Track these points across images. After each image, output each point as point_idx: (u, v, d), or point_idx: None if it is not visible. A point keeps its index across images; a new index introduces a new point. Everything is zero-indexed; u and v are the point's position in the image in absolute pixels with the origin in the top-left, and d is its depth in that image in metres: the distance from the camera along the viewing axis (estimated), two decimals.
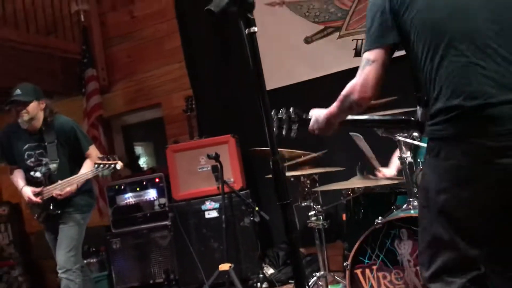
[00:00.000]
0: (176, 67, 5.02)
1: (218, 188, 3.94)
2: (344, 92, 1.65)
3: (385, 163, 3.14)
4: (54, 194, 3.22)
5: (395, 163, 3.06)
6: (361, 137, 3.08)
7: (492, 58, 1.39)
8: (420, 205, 1.63)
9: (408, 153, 2.53)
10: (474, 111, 1.37)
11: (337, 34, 4.28)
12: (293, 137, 1.93)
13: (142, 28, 5.24)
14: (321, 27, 4.33)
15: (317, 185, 3.30)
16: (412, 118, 1.85)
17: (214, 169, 3.97)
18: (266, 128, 1.28)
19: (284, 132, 1.93)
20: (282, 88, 4.47)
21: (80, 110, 5.12)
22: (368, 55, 1.57)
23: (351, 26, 4.23)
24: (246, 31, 1.16)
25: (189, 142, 4.39)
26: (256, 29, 1.17)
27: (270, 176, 3.27)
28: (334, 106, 1.72)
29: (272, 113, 1.97)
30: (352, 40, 4.21)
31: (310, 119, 1.86)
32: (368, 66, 1.56)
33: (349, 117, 1.81)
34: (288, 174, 3.14)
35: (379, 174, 3.09)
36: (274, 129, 1.93)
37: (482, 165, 1.38)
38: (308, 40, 4.39)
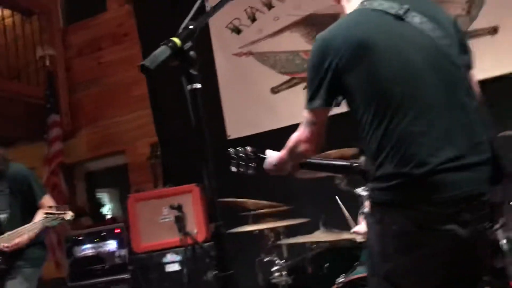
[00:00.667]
0: (142, 113, 4.96)
1: (180, 240, 3.81)
2: (290, 143, 1.70)
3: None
4: (1, 247, 3.03)
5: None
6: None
7: (439, 124, 1.38)
8: (368, 274, 1.57)
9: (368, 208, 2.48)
10: (420, 178, 1.35)
11: (303, 85, 4.31)
12: (250, 173, 2.04)
13: (108, 75, 5.20)
14: (287, 77, 4.37)
15: (281, 238, 3.21)
16: (356, 164, 1.92)
17: (177, 219, 3.84)
18: (208, 191, 1.19)
19: (242, 169, 2.03)
20: (248, 137, 4.44)
21: (42, 157, 4.96)
22: (311, 116, 1.58)
23: None
24: (189, 87, 1.10)
25: (152, 191, 4.27)
26: (199, 85, 1.11)
27: (234, 230, 3.19)
28: (283, 152, 1.79)
29: (231, 150, 2.07)
30: None
31: (265, 160, 1.94)
32: (308, 127, 1.60)
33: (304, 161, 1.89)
34: (251, 227, 3.05)
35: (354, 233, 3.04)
36: (233, 167, 2.06)
37: (426, 232, 1.35)
38: (274, 90, 4.41)
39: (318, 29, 4.20)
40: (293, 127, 4.73)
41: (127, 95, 5.08)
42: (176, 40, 1.07)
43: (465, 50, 1.54)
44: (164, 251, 4.01)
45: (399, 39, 1.43)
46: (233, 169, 2.07)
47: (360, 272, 2.34)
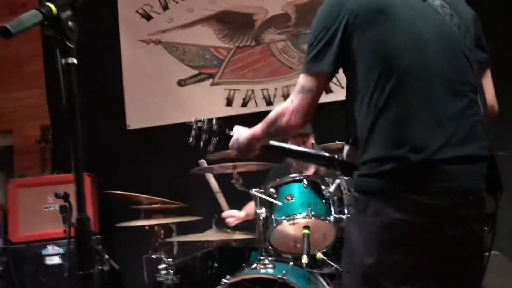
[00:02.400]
0: (35, 93, 4.56)
1: (65, 231, 3.54)
2: (271, 115, 1.50)
3: None
4: None
5: (247, 207, 3.00)
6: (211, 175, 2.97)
7: (440, 109, 1.30)
8: (344, 269, 1.44)
9: (263, 209, 2.47)
10: (416, 165, 1.25)
11: (210, 81, 4.25)
12: (210, 151, 1.76)
13: (0, 46, 4.71)
14: (195, 72, 4.27)
15: (174, 235, 3.11)
16: (336, 156, 1.71)
17: (63, 209, 3.57)
18: (74, 183, 1.06)
19: (201, 144, 1.75)
20: (149, 129, 4.27)
21: None
22: (304, 81, 1.42)
23: (225, 75, 4.22)
24: (63, 61, 0.97)
25: (37, 178, 3.95)
26: (75, 61, 0.98)
27: (124, 224, 3.02)
28: (258, 128, 1.57)
29: (192, 120, 1.79)
30: (225, 89, 4.19)
31: (231, 136, 1.68)
32: (301, 94, 1.42)
33: (272, 143, 1.66)
34: (140, 223, 2.92)
35: (224, 214, 3.00)
36: (191, 139, 1.77)
37: (415, 226, 1.24)
38: (181, 83, 4.28)
39: (231, 27, 4.23)
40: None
41: (19, 71, 4.65)
42: (52, 6, 0.93)
43: (481, 48, 1.49)
44: (45, 242, 3.72)
45: (417, 15, 1.37)
46: (190, 142, 1.77)
47: (247, 273, 2.32)
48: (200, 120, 1.78)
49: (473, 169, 1.30)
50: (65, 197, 3.54)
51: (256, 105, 4.16)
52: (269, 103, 4.12)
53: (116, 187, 3.61)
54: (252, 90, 4.17)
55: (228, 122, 4.34)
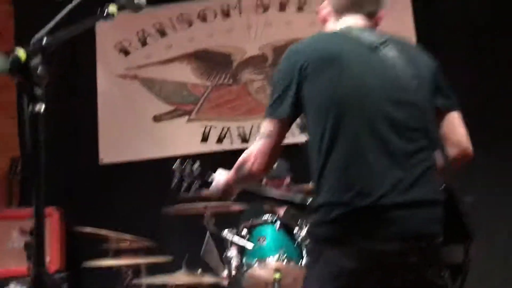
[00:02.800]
0: (6, 122, 4.46)
1: (28, 268, 3.41)
2: (238, 161, 1.54)
3: None
4: None
5: None
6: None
7: (389, 152, 1.32)
8: None
9: (234, 252, 2.43)
10: (363, 210, 1.27)
11: (187, 117, 4.24)
12: (191, 196, 1.81)
13: None
14: (172, 108, 4.26)
15: (143, 276, 3.02)
16: (297, 199, 1.78)
17: (27, 246, 3.45)
18: (35, 238, 1.01)
19: (182, 188, 1.78)
20: (123, 164, 4.21)
21: None
22: (266, 126, 1.47)
23: (202, 112, 4.23)
24: (30, 108, 0.95)
25: (2, 211, 3.81)
26: (43, 107, 0.96)
27: (91, 263, 2.92)
28: (230, 174, 1.62)
29: (176, 164, 1.82)
30: (201, 126, 4.19)
31: (212, 182, 1.71)
32: (264, 139, 1.47)
33: (247, 187, 1.72)
34: (108, 262, 2.83)
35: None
36: (174, 184, 1.80)
37: (367, 274, 1.24)
38: (157, 119, 4.26)
39: (209, 65, 4.27)
40: (173, 160, 4.61)
41: None
42: (21, 53, 0.92)
43: (443, 95, 1.51)
44: (7, 280, 3.56)
45: (365, 64, 1.42)
46: (173, 187, 1.81)
47: None
48: (183, 163, 1.81)
49: (423, 214, 1.31)
50: (31, 233, 3.44)
51: (232, 143, 4.16)
52: (245, 140, 4.13)
53: (85, 222, 3.51)
54: (228, 128, 4.18)
55: (203, 159, 4.33)
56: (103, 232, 3.05)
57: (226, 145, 4.14)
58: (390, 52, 1.44)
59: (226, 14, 4.31)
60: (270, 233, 2.45)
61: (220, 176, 1.68)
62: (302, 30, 4.14)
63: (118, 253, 3.05)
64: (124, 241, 3.03)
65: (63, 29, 1.06)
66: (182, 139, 4.21)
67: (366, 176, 1.30)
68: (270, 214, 2.63)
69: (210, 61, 4.27)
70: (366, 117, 1.36)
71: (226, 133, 4.17)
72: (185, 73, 4.26)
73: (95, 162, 4.17)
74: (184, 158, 1.84)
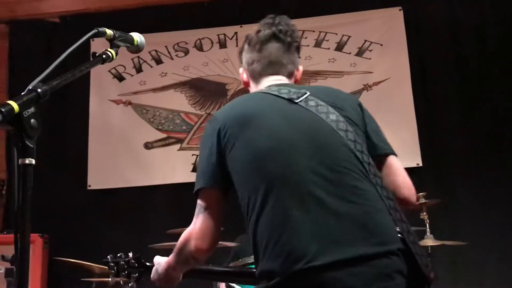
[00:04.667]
0: None
1: None
2: (179, 242, 1.42)
3: None
4: None
5: None
6: None
7: (316, 208, 1.23)
8: None
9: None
10: (297, 275, 1.18)
11: (178, 145, 4.20)
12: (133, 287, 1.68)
13: None
14: (164, 135, 4.22)
15: None
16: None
17: (8, 273, 3.36)
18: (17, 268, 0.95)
19: (121, 281, 1.69)
20: (111, 190, 4.13)
21: None
22: (200, 200, 1.38)
23: (194, 141, 4.18)
24: (20, 161, 0.91)
25: None
26: (33, 161, 0.92)
27: None
28: (171, 257, 1.48)
29: (108, 258, 1.73)
30: (192, 155, 4.14)
31: (152, 267, 1.58)
32: (200, 214, 1.37)
33: (196, 267, 1.58)
34: None
35: None
36: (111, 278, 1.70)
37: None
38: (148, 146, 4.21)
39: (203, 94, 4.25)
40: (163, 188, 4.53)
41: None
42: (14, 105, 0.88)
43: (371, 136, 1.43)
44: None
45: (283, 118, 1.36)
46: (110, 281, 1.71)
47: None
48: (116, 257, 1.75)
49: (365, 270, 1.20)
50: (13, 260, 3.34)
51: None
52: None
53: (69, 251, 3.43)
54: None
55: (193, 188, 4.27)
56: (87, 263, 2.96)
57: None
58: (310, 102, 1.39)
59: (223, 44, 4.32)
60: None
61: (160, 261, 1.55)
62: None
63: (101, 287, 2.96)
64: (107, 274, 2.94)
65: (58, 76, 1.03)
66: (173, 167, 4.16)
67: (294, 239, 1.22)
68: None
69: (204, 90, 4.26)
70: (290, 174, 1.28)
71: None
72: (179, 101, 4.24)
73: (83, 188, 4.09)
74: (115, 254, 1.77)
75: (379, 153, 1.42)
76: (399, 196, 1.40)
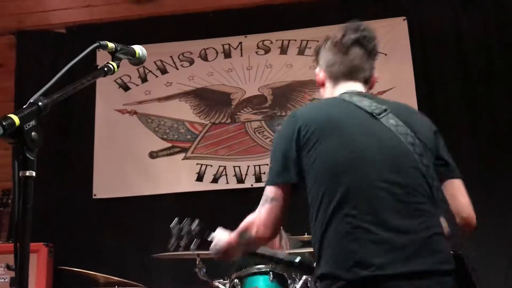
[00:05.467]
0: (1, 153, 4.42)
1: None
2: (242, 226, 1.51)
3: None
4: None
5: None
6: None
7: (385, 222, 1.30)
8: None
9: None
10: (362, 282, 1.25)
11: (183, 155, 4.21)
12: (193, 249, 1.74)
13: None
14: (169, 145, 4.24)
15: None
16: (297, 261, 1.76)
17: (13, 282, 3.37)
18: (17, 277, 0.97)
19: (181, 244, 1.75)
20: (116, 199, 4.15)
21: None
22: (269, 192, 1.45)
23: (198, 150, 4.20)
24: (20, 173, 0.92)
25: None
26: (34, 173, 0.94)
27: None
28: (233, 237, 1.57)
29: (174, 222, 1.79)
30: (197, 164, 4.16)
31: (211, 241, 1.66)
32: (267, 204, 1.44)
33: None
34: None
35: None
36: (172, 243, 1.76)
37: None
38: (153, 155, 4.23)
39: (208, 103, 4.27)
40: (167, 197, 4.55)
41: None
42: (15, 118, 0.89)
43: (442, 163, 1.50)
44: None
45: (365, 133, 1.41)
46: (171, 246, 1.78)
47: None
48: (181, 221, 1.79)
49: (425, 285, 1.28)
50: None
51: (227, 182, 4.12)
52: (241, 181, 4.09)
53: (75, 260, 3.44)
54: (224, 167, 4.15)
55: (198, 197, 4.27)
56: (92, 272, 2.98)
57: (221, 185, 4.09)
58: (390, 120, 1.44)
59: (227, 54, 4.34)
60: (262, 284, 2.39)
61: (221, 237, 1.62)
62: (302, 73, 4.19)
63: None
64: (112, 283, 2.95)
65: (60, 90, 1.04)
66: (177, 176, 4.17)
67: (364, 246, 1.29)
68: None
69: (209, 99, 4.28)
70: (365, 188, 1.35)
71: (222, 172, 4.13)
72: (184, 111, 4.26)
73: (88, 197, 4.11)
74: (183, 217, 1.81)
75: (443, 177, 1.48)
76: (460, 218, 1.48)
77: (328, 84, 1.61)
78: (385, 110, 1.45)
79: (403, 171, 1.38)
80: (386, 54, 4.13)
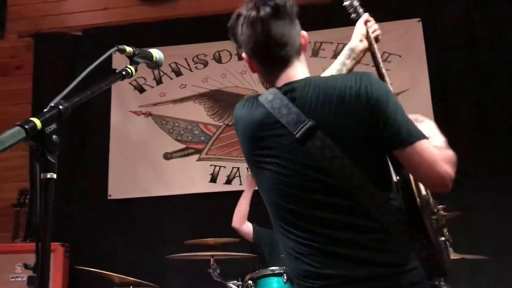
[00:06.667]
0: (16, 154, 4.48)
1: None
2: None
3: None
4: None
5: None
6: None
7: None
8: None
9: None
10: None
11: (197, 156, 4.24)
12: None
13: None
14: (183, 146, 4.27)
15: None
16: None
17: (30, 281, 3.43)
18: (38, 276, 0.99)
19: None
20: (131, 200, 4.19)
21: None
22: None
23: (212, 151, 4.22)
24: (42, 175, 0.95)
25: (4, 245, 3.79)
26: (55, 176, 0.96)
27: None
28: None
29: None
30: (211, 165, 4.18)
31: None
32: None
33: None
34: None
35: None
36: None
37: None
38: (167, 156, 4.26)
39: (221, 105, 4.29)
40: (181, 198, 4.57)
41: (2, 131, 4.59)
42: (37, 121, 0.92)
43: (386, 133, 1.30)
44: None
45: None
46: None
47: None
48: None
49: None
50: (35, 268, 3.40)
51: (241, 183, 4.13)
52: None
53: (90, 260, 3.47)
54: (238, 168, 4.16)
55: (211, 198, 4.28)
56: (107, 272, 3.01)
57: (234, 186, 4.11)
58: (316, 142, 1.33)
59: (241, 56, 4.34)
60: (276, 285, 2.39)
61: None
62: (316, 74, 4.18)
63: None
64: (127, 283, 2.98)
65: (79, 93, 1.07)
66: (191, 178, 4.20)
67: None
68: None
69: (223, 101, 4.30)
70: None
71: (235, 174, 4.15)
72: (198, 112, 4.29)
73: (103, 198, 4.15)
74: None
75: (393, 149, 1.32)
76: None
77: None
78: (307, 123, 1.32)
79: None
80: (400, 56, 4.12)
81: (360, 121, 1.31)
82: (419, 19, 4.14)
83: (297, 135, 1.31)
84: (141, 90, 4.41)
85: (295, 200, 1.33)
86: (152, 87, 4.40)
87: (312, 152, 1.30)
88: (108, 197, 4.18)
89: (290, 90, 1.38)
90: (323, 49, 4.20)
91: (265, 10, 1.40)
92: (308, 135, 1.30)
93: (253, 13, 1.41)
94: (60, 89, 1.11)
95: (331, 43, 4.23)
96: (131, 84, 4.39)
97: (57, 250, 3.72)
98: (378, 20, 4.51)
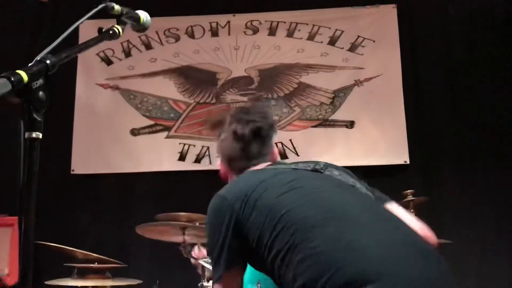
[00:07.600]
0: None
1: None
2: None
3: None
4: None
5: None
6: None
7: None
8: None
9: (210, 283, 2.33)
10: None
11: (165, 133, 4.14)
12: None
13: None
14: (151, 122, 4.15)
15: None
16: None
17: None
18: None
19: None
20: (95, 175, 4.05)
21: None
22: (223, 286, 1.34)
23: (181, 129, 4.13)
24: (26, 134, 0.86)
25: None
26: (40, 135, 0.88)
27: (54, 282, 2.78)
28: None
29: None
30: (180, 143, 4.09)
31: None
32: None
33: None
34: (73, 283, 2.68)
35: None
36: None
37: None
38: (135, 132, 4.14)
39: (193, 82, 4.19)
40: (147, 175, 4.45)
41: None
42: (23, 74, 0.83)
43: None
44: None
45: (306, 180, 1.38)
46: None
47: None
48: None
49: None
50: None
51: (210, 163, 4.07)
52: None
53: (52, 235, 3.34)
54: (208, 147, 4.09)
55: (179, 177, 4.19)
56: (70, 248, 2.90)
57: (204, 166, 4.04)
58: (334, 172, 1.47)
59: (215, 32, 4.26)
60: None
61: None
62: (290, 55, 4.15)
63: (83, 273, 2.89)
64: (90, 260, 2.88)
65: (66, 49, 0.98)
66: (159, 155, 4.10)
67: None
68: None
69: (194, 78, 4.20)
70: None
71: (205, 153, 4.08)
72: (168, 88, 4.17)
73: (66, 172, 4.00)
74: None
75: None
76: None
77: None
78: (326, 165, 1.47)
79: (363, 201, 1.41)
80: (374, 41, 4.14)
81: None
82: (395, 5, 4.16)
83: None
84: (108, 62, 4.24)
85: None
86: (120, 60, 4.25)
87: None
88: (71, 172, 4.03)
89: None
90: (299, 30, 4.16)
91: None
92: None
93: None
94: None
95: (307, 24, 4.19)
96: (98, 56, 4.22)
97: (15, 225, 3.56)
98: (355, 4, 4.52)
